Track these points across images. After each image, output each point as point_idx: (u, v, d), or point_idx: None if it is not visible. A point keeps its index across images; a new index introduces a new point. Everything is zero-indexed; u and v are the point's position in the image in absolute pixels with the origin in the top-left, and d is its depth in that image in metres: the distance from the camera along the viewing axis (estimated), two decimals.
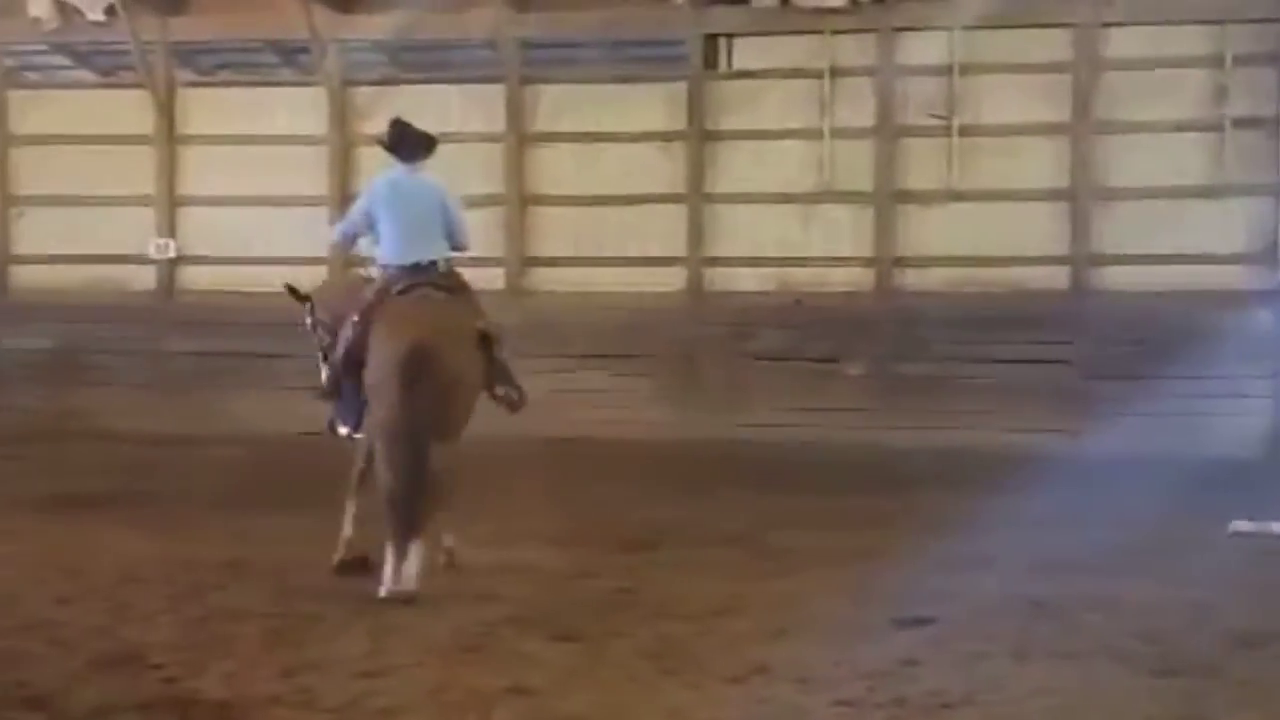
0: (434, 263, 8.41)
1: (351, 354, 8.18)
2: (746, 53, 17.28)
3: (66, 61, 19.39)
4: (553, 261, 17.50)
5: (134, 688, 5.78)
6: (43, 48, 18.81)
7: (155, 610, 7.27)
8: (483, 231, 17.06)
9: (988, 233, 16.51)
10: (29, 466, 13.88)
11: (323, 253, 17.25)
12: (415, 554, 7.56)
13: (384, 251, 8.45)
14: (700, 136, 17.06)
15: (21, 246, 18.41)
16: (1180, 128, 16.19)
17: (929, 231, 16.75)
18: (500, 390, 8.44)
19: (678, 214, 17.17)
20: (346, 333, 8.29)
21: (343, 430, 8.55)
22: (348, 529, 8.37)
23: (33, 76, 19.77)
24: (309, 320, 9.16)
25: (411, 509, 7.53)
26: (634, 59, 18.22)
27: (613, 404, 16.33)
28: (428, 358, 7.59)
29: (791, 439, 15.56)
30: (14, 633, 6.74)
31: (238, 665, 6.17)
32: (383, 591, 7.49)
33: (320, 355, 8.93)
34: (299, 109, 17.83)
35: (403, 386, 7.55)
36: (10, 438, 15.80)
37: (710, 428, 16.06)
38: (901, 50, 16.72)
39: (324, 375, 8.66)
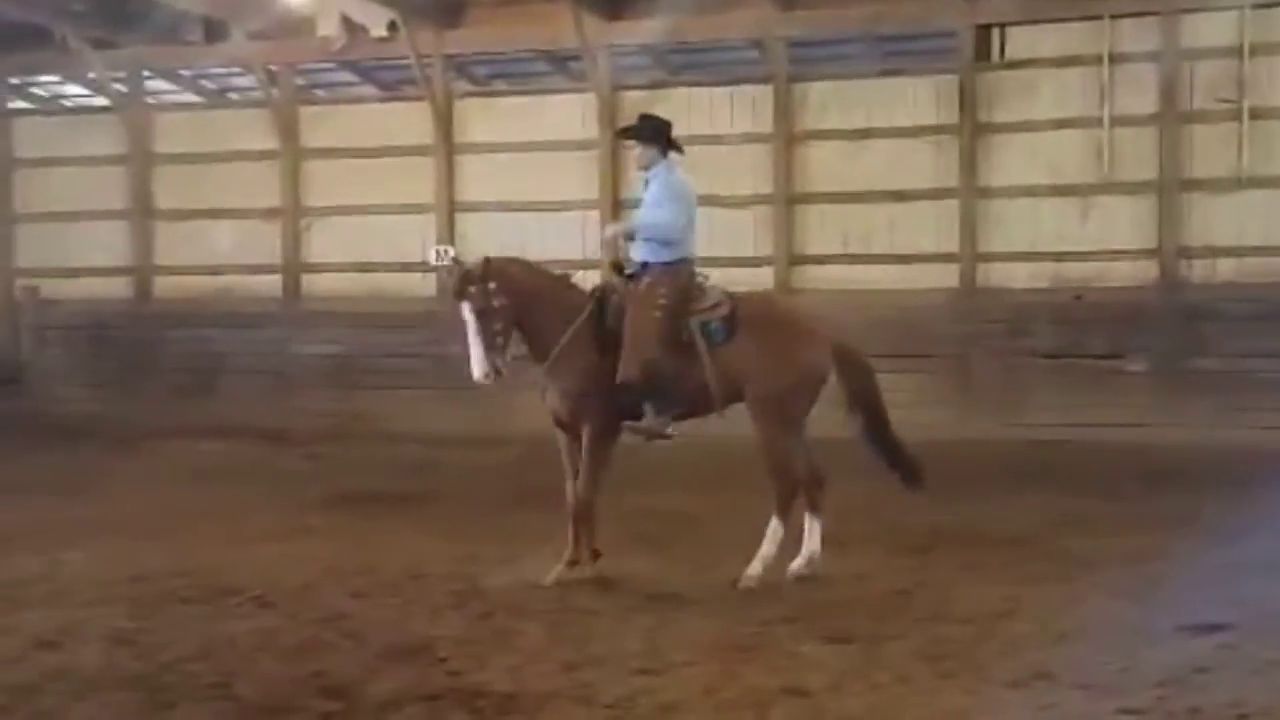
0: None
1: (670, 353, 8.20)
2: (1019, 42, 16.85)
3: (351, 78, 20.34)
4: (821, 259, 17.41)
5: (423, 680, 5.99)
6: (330, 66, 19.74)
7: (441, 605, 7.53)
8: (751, 230, 17.26)
9: None
10: (321, 466, 14.56)
11: (596, 256, 17.66)
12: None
13: (688, 246, 8.51)
14: (972, 129, 16.69)
15: (312, 256, 19.33)
16: None
17: (1218, 221, 16.01)
18: None
19: (949, 209, 16.85)
20: (659, 324, 8.18)
21: (670, 432, 8.40)
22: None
23: (321, 93, 20.79)
24: (493, 303, 8.19)
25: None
26: (902, 53, 18.02)
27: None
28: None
29: (1071, 439, 15.06)
30: (312, 624, 7.08)
31: (520, 660, 6.33)
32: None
33: (489, 339, 8.20)
34: (570, 115, 18.22)
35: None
36: (303, 439, 16.60)
37: (986, 428, 15.70)
38: (1186, 32, 16.03)
39: (488, 362, 8.21)
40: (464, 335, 8.24)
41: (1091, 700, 5.61)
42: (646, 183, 8.67)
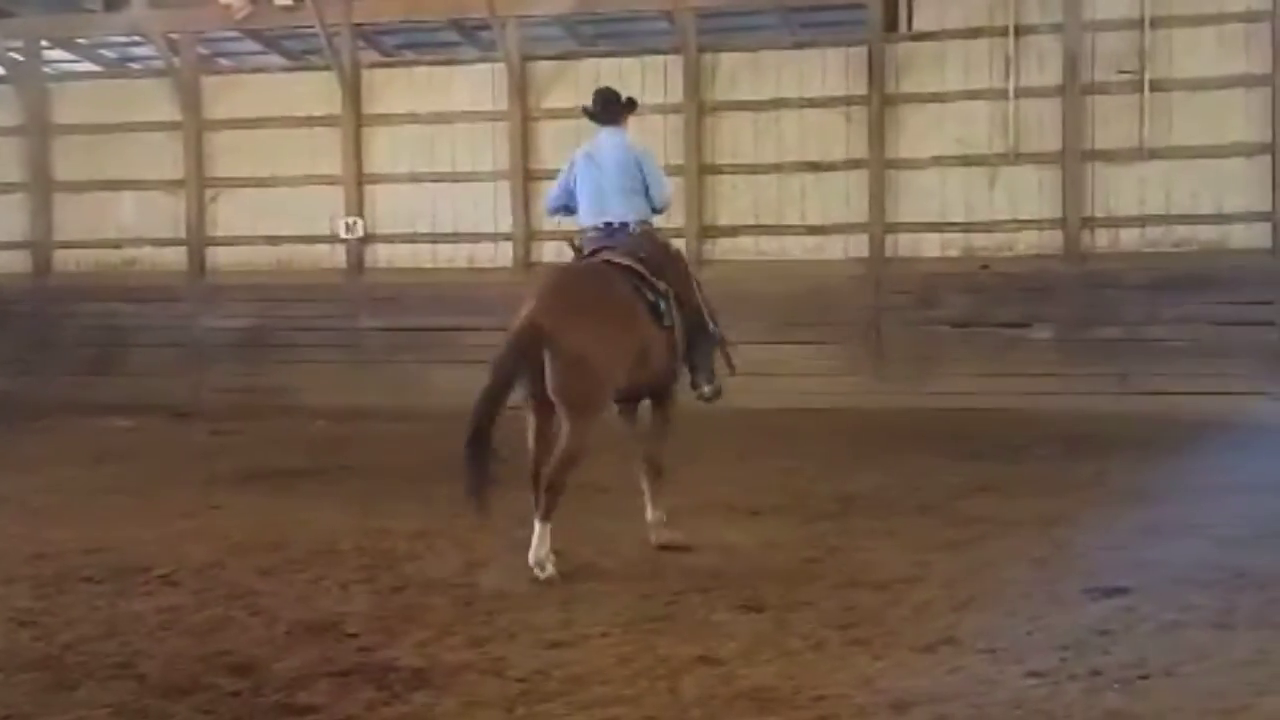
0: (625, 224, 8.38)
1: None
2: (927, 13, 16.96)
3: (256, 47, 20.03)
4: (733, 231, 17.45)
5: (332, 656, 5.93)
6: (233, 34, 19.42)
7: (351, 581, 7.46)
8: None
9: (1183, 191, 16.00)
10: (230, 442, 14.38)
11: (506, 228, 17.67)
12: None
13: (579, 215, 8.54)
14: (881, 100, 16.79)
15: (217, 228, 19.02)
16: None
17: (1120, 191, 16.26)
18: (697, 379, 8.40)
19: (859, 180, 16.95)
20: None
21: None
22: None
23: (225, 63, 20.47)
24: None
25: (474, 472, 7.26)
26: (812, 24, 18.09)
27: (797, 373, 16.23)
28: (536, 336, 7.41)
29: (980, 406, 15.27)
30: (219, 602, 6.99)
31: (431, 634, 6.29)
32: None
33: None
34: (480, 86, 18.07)
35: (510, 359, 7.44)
36: (211, 414, 16.40)
37: (897, 396, 15.88)
38: (1088, 4, 16.23)
39: None
40: None
41: (997, 664, 5.69)
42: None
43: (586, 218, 8.49)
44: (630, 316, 7.86)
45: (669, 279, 8.21)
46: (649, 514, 8.27)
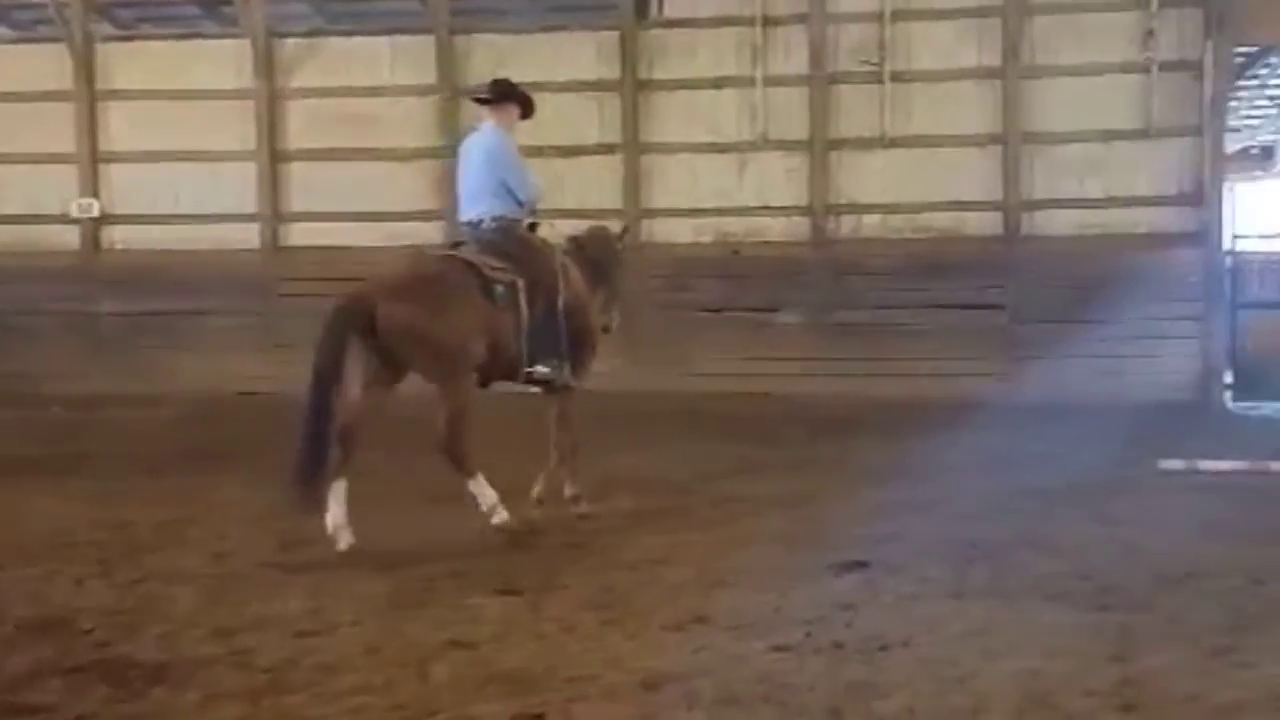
0: (482, 221, 8.57)
1: None
2: (678, 1, 17.17)
3: None
4: None
5: (65, 653, 5.68)
6: None
7: (87, 574, 7.15)
8: (412, 186, 17.00)
9: (921, 179, 16.60)
10: None
11: (253, 209, 17.21)
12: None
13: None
14: (633, 86, 16.95)
15: None
16: (1107, 71, 16.28)
17: (863, 179, 16.79)
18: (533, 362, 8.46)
19: (613, 165, 17.08)
20: None
21: None
22: None
23: None
24: None
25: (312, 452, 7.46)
26: (564, 8, 18.10)
27: None
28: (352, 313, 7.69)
29: (733, 389, 15.59)
30: None
31: (173, 627, 6.08)
32: None
33: None
34: (223, 62, 17.53)
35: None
36: None
37: (651, 379, 16.04)
38: None
39: None
40: None
41: (744, 640, 5.80)
42: None
43: (459, 215, 8.77)
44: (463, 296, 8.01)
45: (522, 271, 8.37)
46: (566, 490, 8.74)
